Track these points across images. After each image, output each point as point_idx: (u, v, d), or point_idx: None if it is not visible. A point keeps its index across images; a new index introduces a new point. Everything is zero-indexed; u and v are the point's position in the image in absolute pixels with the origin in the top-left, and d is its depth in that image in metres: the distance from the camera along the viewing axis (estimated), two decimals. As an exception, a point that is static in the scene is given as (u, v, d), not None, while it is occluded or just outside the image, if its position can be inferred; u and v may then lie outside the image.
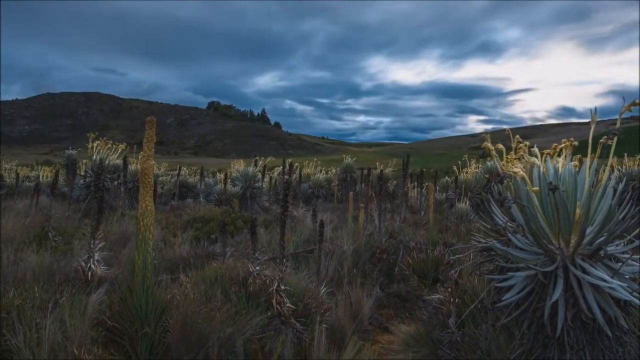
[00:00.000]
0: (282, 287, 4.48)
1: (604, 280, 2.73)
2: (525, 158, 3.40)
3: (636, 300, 2.75)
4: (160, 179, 19.05)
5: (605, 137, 2.88)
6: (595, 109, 2.98)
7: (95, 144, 12.56)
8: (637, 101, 2.68)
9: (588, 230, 2.97)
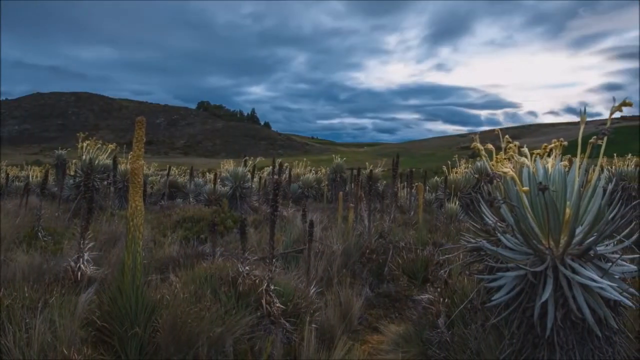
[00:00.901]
0: (272, 287, 4.48)
1: (594, 280, 2.73)
2: (515, 158, 3.40)
3: (626, 301, 2.75)
4: (150, 178, 19.04)
5: (595, 137, 2.88)
6: (585, 108, 2.98)
7: (85, 144, 12.45)
8: (627, 101, 2.68)
9: (578, 230, 2.98)
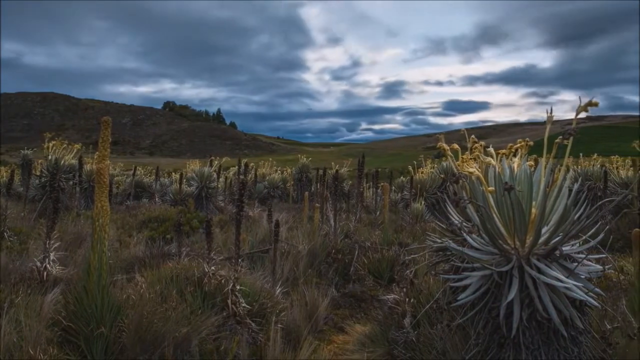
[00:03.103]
0: (238, 287, 4.47)
1: (560, 280, 2.74)
2: (481, 158, 3.41)
3: (592, 301, 2.77)
4: (115, 179, 18.86)
5: (561, 137, 2.89)
6: (551, 108, 2.99)
7: (50, 144, 12.33)
8: (593, 101, 2.69)
9: (543, 230, 2.99)
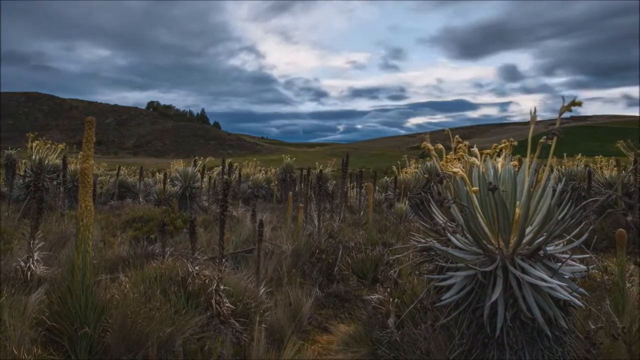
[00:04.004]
0: (222, 287, 4.45)
1: (544, 280, 2.75)
2: (465, 158, 3.41)
3: (576, 301, 2.78)
4: (99, 179, 18.81)
5: (545, 137, 2.89)
6: (535, 109, 3.00)
7: (34, 144, 12.29)
8: (577, 101, 2.70)
9: (527, 230, 2.99)
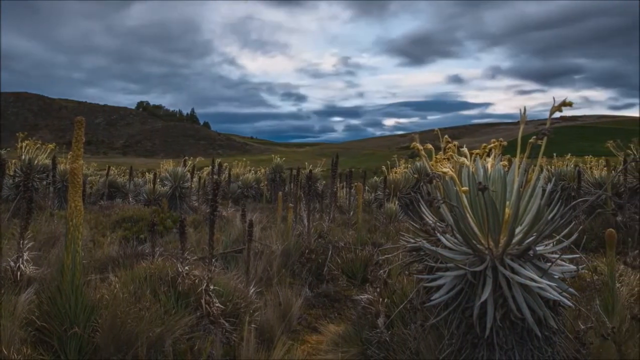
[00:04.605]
0: (211, 287, 4.44)
1: (533, 280, 2.75)
2: (455, 158, 3.41)
3: (565, 301, 2.78)
4: (89, 178, 18.73)
5: (535, 137, 2.90)
6: (525, 109, 3.00)
7: (24, 144, 12.26)
8: (567, 101, 2.70)
9: (517, 230, 2.99)
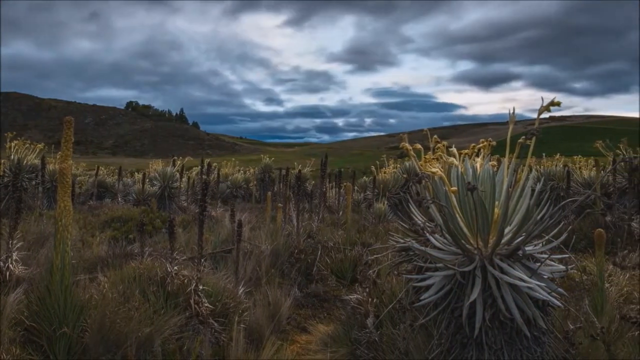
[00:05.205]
0: (200, 287, 4.43)
1: (523, 280, 2.75)
2: (444, 158, 3.41)
3: (554, 301, 2.78)
4: (78, 178, 18.62)
5: (524, 137, 2.90)
6: (514, 109, 3.00)
7: (13, 144, 12.23)
8: (555, 101, 2.71)
9: (506, 230, 2.99)
